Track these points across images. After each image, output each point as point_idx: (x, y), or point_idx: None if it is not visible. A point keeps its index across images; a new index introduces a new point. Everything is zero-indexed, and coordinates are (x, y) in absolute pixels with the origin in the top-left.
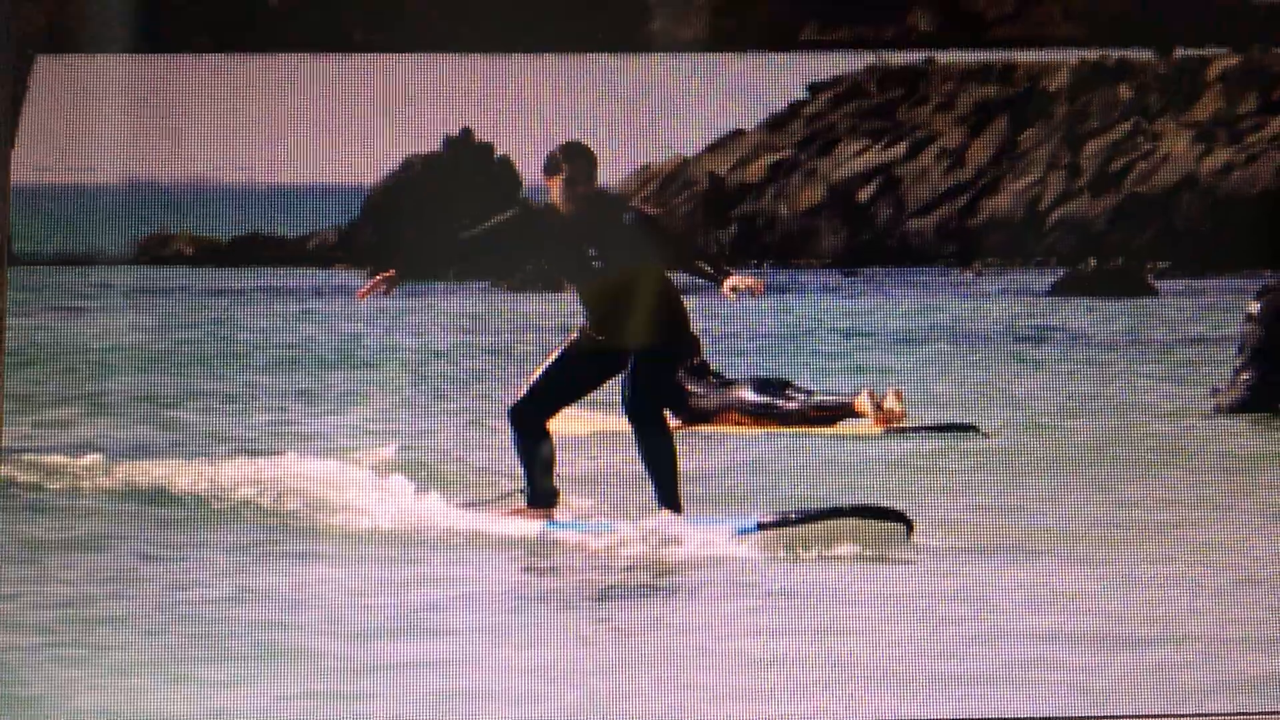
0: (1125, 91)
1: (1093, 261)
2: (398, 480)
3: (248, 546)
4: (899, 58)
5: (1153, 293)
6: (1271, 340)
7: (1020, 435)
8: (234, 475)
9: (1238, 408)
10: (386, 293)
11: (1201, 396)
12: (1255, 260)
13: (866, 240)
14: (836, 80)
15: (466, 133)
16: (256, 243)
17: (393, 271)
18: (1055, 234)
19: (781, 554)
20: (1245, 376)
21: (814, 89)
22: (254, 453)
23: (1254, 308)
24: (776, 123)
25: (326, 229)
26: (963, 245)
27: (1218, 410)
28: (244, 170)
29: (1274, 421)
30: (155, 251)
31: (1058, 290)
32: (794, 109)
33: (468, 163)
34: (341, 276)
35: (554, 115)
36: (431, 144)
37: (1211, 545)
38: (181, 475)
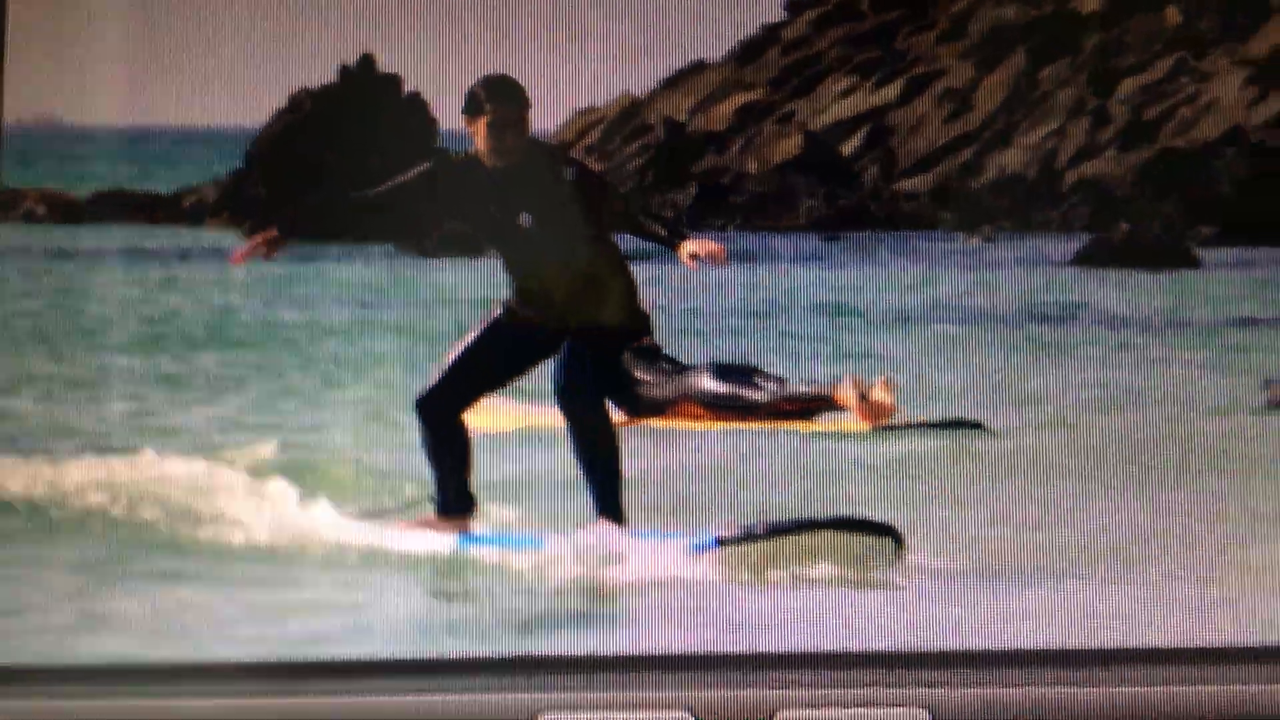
0: (1173, 16)
1: (1124, 226)
2: (278, 485)
3: (95, 565)
4: None
5: (1195, 264)
6: None
7: (1036, 434)
8: (79, 478)
9: None
10: (267, 256)
11: (1252, 388)
12: None
13: (852, 200)
14: None
15: (367, 61)
16: (123, 199)
17: (275, 231)
18: (1077, 194)
19: (745, 575)
20: None
21: (793, 7)
22: (104, 450)
23: None
24: (747, 52)
25: (204, 184)
26: (967, 206)
27: (1271, 405)
28: (99, 110)
29: None
30: None
31: (1082, 260)
32: (769, 33)
33: (369, 98)
34: (213, 237)
35: (475, 40)
36: (324, 75)
37: (1264, 563)
38: (14, 477)
